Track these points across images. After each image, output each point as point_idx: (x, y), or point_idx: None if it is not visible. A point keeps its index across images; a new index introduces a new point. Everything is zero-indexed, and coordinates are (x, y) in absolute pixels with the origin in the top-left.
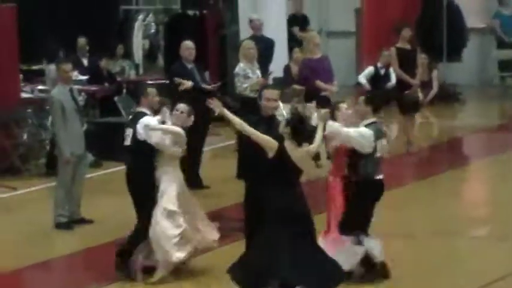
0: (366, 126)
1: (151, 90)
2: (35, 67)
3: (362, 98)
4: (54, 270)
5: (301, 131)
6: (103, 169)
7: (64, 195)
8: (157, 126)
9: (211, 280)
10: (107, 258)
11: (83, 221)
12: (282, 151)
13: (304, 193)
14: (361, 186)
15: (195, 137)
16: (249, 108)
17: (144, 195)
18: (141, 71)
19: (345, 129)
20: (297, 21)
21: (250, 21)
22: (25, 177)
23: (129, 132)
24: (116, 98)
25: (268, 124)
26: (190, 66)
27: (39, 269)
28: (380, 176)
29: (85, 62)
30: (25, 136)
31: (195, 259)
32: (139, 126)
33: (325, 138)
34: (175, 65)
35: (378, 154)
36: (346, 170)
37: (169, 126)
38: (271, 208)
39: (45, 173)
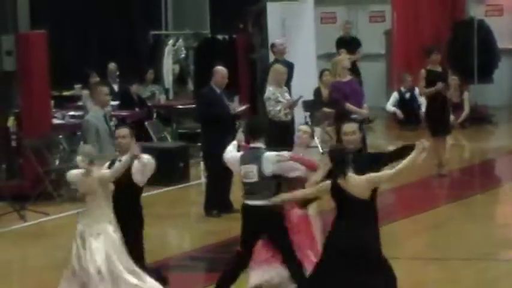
0: None
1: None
2: (66, 93)
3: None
4: None
5: (344, 165)
6: None
7: None
8: None
9: None
10: None
11: None
12: (335, 188)
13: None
14: None
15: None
16: (280, 132)
17: None
18: (171, 95)
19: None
20: (345, 43)
21: (273, 45)
22: (57, 203)
23: None
24: (146, 123)
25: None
26: (219, 91)
27: None
28: None
29: (115, 87)
30: (57, 162)
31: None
32: None
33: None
34: (205, 90)
35: None
36: None
37: None
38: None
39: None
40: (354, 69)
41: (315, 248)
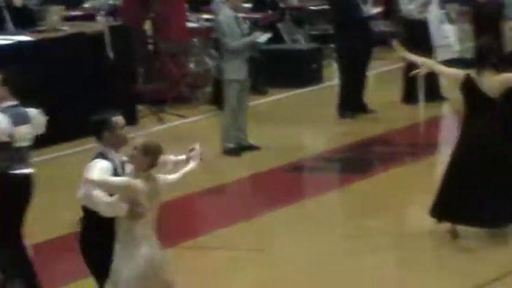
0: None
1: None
2: None
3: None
4: (225, 195)
5: (485, 61)
6: (267, 96)
7: (231, 121)
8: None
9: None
10: (275, 184)
11: (250, 148)
12: (468, 82)
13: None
14: None
15: (359, 62)
16: (414, 31)
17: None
18: None
19: None
20: None
21: None
22: (193, 106)
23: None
24: (279, 25)
25: None
26: None
27: (210, 194)
28: (24, 170)
29: None
30: (192, 65)
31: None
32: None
33: None
34: None
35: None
36: None
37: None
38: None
39: (211, 101)
40: None
41: None
